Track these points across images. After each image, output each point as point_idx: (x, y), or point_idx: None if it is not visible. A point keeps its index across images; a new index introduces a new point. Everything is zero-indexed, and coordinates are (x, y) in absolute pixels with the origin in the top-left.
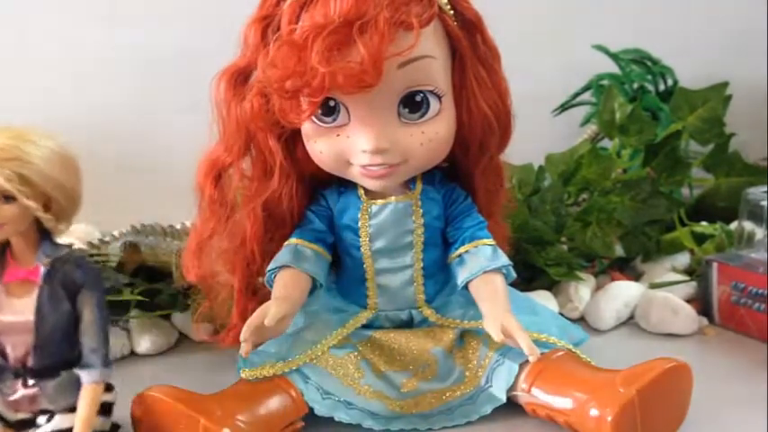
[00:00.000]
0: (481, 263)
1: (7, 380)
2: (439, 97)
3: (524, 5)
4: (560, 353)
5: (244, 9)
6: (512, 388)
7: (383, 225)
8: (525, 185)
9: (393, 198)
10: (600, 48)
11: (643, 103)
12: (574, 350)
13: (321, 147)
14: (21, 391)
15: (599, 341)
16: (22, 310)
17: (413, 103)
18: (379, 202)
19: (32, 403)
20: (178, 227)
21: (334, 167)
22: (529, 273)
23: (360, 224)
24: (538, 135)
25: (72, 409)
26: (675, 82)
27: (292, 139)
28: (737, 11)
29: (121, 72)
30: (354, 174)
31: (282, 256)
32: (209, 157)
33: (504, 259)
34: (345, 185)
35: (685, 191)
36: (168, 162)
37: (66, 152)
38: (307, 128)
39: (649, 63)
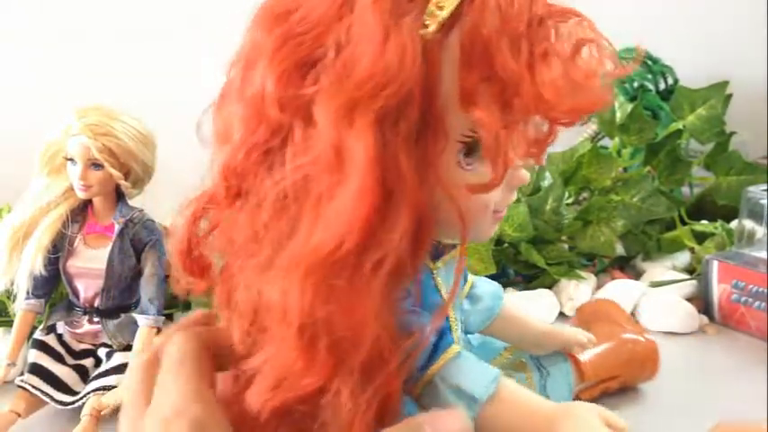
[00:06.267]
0: (493, 294)
1: (76, 316)
2: None
3: None
4: None
5: None
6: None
7: (449, 288)
8: (525, 185)
9: (452, 252)
10: None
11: (643, 102)
12: None
13: (495, 195)
14: (86, 326)
15: None
16: (96, 259)
17: None
18: (440, 263)
19: (95, 337)
20: None
21: (477, 224)
22: (529, 272)
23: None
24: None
25: (127, 348)
26: (676, 81)
27: None
28: (737, 11)
29: None
30: (486, 225)
31: (486, 367)
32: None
33: (496, 283)
34: None
35: (686, 189)
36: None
37: (147, 132)
38: (459, 174)
39: (649, 62)
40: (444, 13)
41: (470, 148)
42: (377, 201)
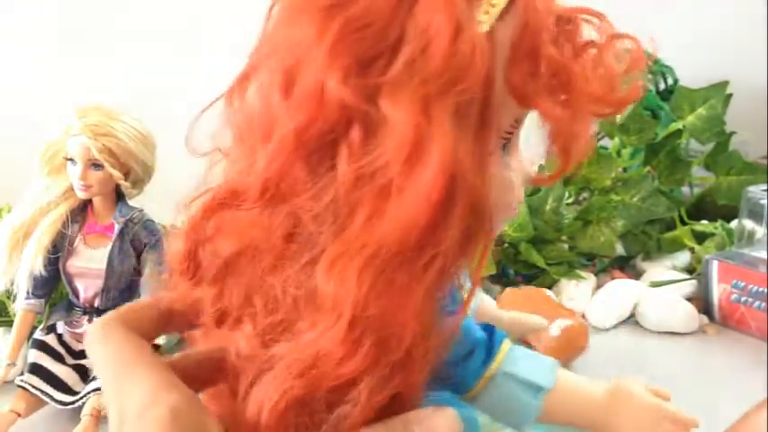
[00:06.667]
0: None
1: (76, 315)
2: None
3: None
4: None
5: None
6: None
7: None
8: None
9: None
10: None
11: (643, 102)
12: None
13: (520, 191)
14: (86, 326)
15: (599, 339)
16: (96, 258)
17: None
18: None
19: None
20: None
21: (500, 220)
22: (529, 272)
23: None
24: (537, 135)
25: None
26: (676, 81)
27: None
28: (737, 11)
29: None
30: (504, 221)
31: (540, 357)
32: None
33: None
34: None
35: (686, 189)
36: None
37: (146, 132)
38: (498, 171)
39: (649, 62)
40: (497, 10)
41: (504, 145)
42: (446, 196)
